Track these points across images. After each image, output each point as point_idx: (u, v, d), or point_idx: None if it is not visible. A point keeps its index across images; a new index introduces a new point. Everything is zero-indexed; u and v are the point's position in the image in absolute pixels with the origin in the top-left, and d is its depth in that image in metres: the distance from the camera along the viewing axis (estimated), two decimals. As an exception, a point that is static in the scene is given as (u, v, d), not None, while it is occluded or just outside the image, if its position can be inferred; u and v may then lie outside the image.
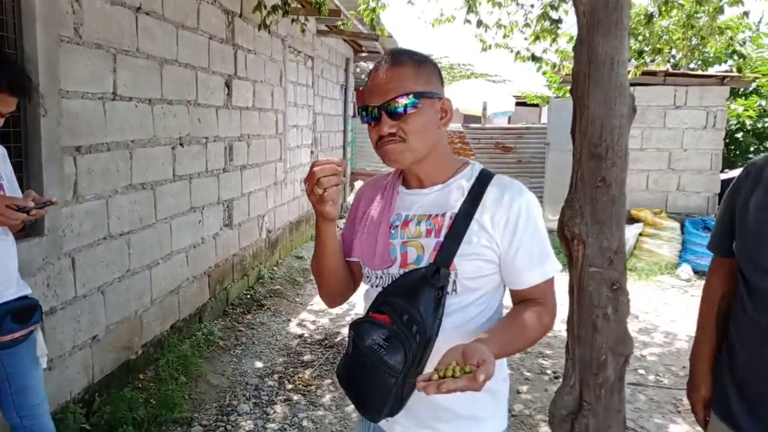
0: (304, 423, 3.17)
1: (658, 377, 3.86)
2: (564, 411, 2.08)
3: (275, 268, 5.86)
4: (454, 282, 1.25)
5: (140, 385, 3.30)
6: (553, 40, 4.94)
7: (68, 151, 2.66)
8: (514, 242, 1.25)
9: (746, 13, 3.97)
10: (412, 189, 1.36)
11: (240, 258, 4.96)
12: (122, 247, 3.17)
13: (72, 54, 2.64)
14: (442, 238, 1.25)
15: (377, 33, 5.07)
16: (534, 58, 4.94)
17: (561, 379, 3.77)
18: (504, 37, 5.08)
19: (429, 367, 1.18)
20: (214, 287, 4.42)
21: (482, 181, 1.31)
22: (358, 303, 5.44)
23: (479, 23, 4.97)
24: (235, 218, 4.79)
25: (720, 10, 4.23)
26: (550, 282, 1.31)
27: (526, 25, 4.95)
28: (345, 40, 8.06)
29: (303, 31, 5.03)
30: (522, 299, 1.30)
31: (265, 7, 4.16)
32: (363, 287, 1.45)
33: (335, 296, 1.47)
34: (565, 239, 2.07)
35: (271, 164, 5.62)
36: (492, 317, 1.31)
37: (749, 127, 8.29)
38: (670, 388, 3.72)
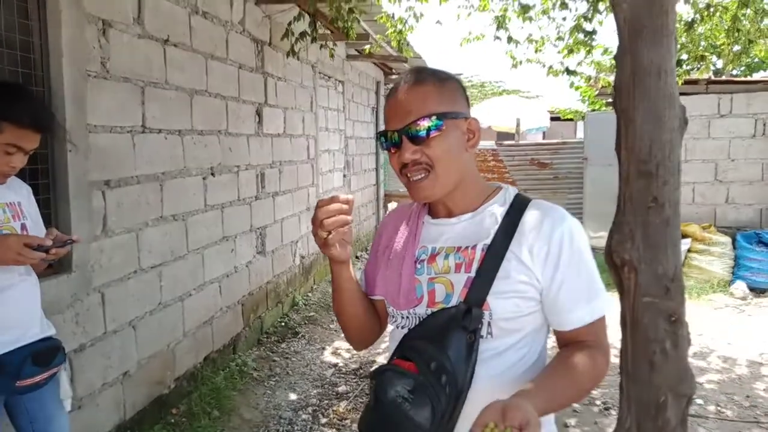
0: (340, 460, 3.04)
1: (719, 408, 3.58)
2: (620, 457, 1.89)
3: (309, 294, 5.78)
4: (489, 324, 1.10)
5: (173, 421, 3.23)
6: (588, 52, 4.78)
7: (97, 185, 2.64)
8: (557, 277, 1.10)
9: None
10: (440, 218, 1.23)
11: (274, 285, 4.89)
12: (153, 280, 3.13)
13: (99, 88, 2.64)
14: (473, 274, 1.11)
15: (405, 56, 5.00)
16: (568, 71, 4.78)
17: (610, 411, 3.54)
18: (536, 51, 4.94)
19: (462, 424, 1.05)
20: (248, 316, 4.36)
21: (518, 207, 1.17)
22: (390, 327, 5.30)
23: (509, 39, 4.85)
24: (267, 245, 4.74)
25: (766, 13, 4.01)
26: (601, 321, 1.15)
27: (559, 38, 4.80)
28: (375, 63, 8.05)
29: (332, 56, 5.01)
30: (569, 341, 1.14)
31: (293, 34, 4.15)
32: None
33: (361, 341, 1.35)
34: (615, 266, 1.90)
35: (303, 189, 5.58)
36: (535, 363, 1.16)
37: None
38: (735, 421, 3.43)
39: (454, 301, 1.12)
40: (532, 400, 0.93)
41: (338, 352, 4.52)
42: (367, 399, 3.84)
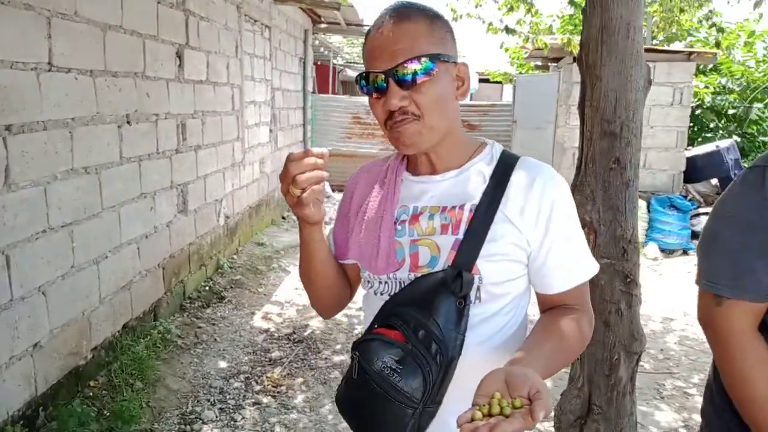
0: (276, 429, 2.92)
1: (639, 361, 3.78)
2: (572, 416, 1.91)
3: (235, 257, 5.51)
4: (478, 288, 1.03)
5: (91, 394, 2.96)
6: (528, 10, 4.73)
7: (-6, 130, 2.27)
8: (547, 239, 1.04)
9: (727, -15, 3.87)
10: (421, 176, 1.11)
11: (197, 247, 4.60)
12: (64, 241, 2.79)
13: (-7, 16, 2.23)
14: (461, 236, 1.02)
15: (338, 2, 4.72)
16: (507, 29, 4.72)
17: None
18: (476, 6, 4.83)
19: (451, 393, 0.98)
20: (169, 280, 4.07)
21: (506, 165, 1.08)
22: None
23: (451, -8, 4.71)
24: (190, 204, 4.42)
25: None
26: (585, 284, 1.10)
27: (499, -6, 4.71)
28: (303, 9, 7.62)
29: (261, -2, 4.64)
30: (554, 305, 1.09)
31: (220, -29, 3.78)
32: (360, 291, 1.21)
33: (330, 307, 1.24)
34: (575, 227, 1.87)
35: (227, 144, 5.24)
36: (519, 329, 1.11)
37: (708, 104, 8.40)
38: (652, 373, 3.64)
39: (440, 265, 1.03)
40: (532, 367, 0.86)
41: (269, 316, 4.35)
42: (303, 362, 3.69)
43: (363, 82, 1.03)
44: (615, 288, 1.81)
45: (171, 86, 3.94)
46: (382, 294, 1.10)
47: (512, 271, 1.05)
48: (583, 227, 1.83)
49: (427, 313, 0.98)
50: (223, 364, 3.54)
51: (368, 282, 1.14)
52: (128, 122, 3.37)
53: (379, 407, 0.97)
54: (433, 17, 1.03)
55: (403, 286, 1.06)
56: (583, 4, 1.82)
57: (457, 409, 1.00)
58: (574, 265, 1.07)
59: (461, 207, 1.05)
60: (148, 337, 3.56)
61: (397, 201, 1.10)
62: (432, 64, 0.98)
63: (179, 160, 4.16)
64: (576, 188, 1.86)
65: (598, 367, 1.85)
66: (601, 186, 1.80)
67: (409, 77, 0.98)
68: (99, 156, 3.06)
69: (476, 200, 1.04)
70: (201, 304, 4.38)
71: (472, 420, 0.78)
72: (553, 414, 2.00)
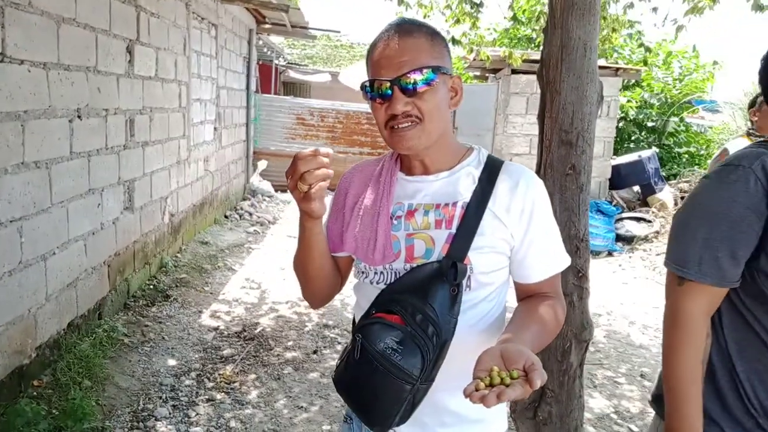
0: (232, 423, 2.94)
1: (574, 354, 4.06)
2: (527, 399, 2.07)
3: (179, 255, 5.41)
4: (469, 277, 1.15)
5: (35, 394, 2.86)
6: (473, 24, 4.95)
7: (-54, 120, 2.18)
8: (528, 233, 1.17)
9: (655, 9, 4.23)
10: (415, 176, 1.23)
11: (141, 245, 4.49)
12: (13, 236, 2.70)
13: (-51, 0, 2.15)
14: (454, 230, 1.14)
15: (289, 3, 4.76)
16: (454, 41, 4.92)
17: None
18: (424, 17, 5.00)
19: (443, 370, 1.09)
20: (114, 278, 3.96)
21: (492, 167, 1.21)
22: (270, 290, 5.15)
23: (400, 1, 4.85)
24: (136, 201, 4.32)
25: (631, 5, 4.47)
26: (559, 274, 1.25)
27: (447, 6, 4.90)
28: (248, 9, 7.56)
29: (213, -5, 4.60)
30: (531, 293, 1.23)
31: (175, -34, 3.73)
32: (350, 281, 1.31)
33: (321, 297, 1.33)
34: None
35: (174, 141, 5.14)
36: (500, 314, 1.24)
37: (631, 117, 9.03)
38: (585, 365, 3.92)
39: (435, 256, 1.14)
40: (522, 344, 0.98)
41: (217, 315, 4.32)
42: (255, 359, 3.71)
43: (369, 88, 1.14)
44: (569, 282, 2.00)
45: (121, 81, 3.85)
46: (378, 283, 1.19)
47: (498, 262, 1.18)
48: (541, 227, 2.02)
49: (424, 299, 1.09)
50: (172, 362, 3.50)
51: (363, 273, 1.23)
52: (79, 117, 3.27)
53: (380, 384, 1.06)
54: (433, 34, 1.15)
55: (398, 275, 1.16)
56: (545, 24, 2.00)
57: (447, 387, 1.13)
58: (551, 257, 1.21)
59: (454, 204, 1.17)
60: (94, 335, 3.47)
61: (393, 198, 1.21)
62: (433, 75, 1.10)
63: (127, 156, 4.06)
64: (534, 191, 2.03)
65: (551, 354, 2.03)
66: (558, 189, 1.98)
67: (412, 86, 1.09)
68: (50, 150, 2.97)
69: (467, 198, 1.16)
70: (146, 303, 4.29)
71: (477, 390, 0.89)
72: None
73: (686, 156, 8.96)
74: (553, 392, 2.04)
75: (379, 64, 1.12)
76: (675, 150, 9.14)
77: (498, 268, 1.18)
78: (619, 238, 7.03)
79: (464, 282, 1.14)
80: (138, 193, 4.34)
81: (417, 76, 1.09)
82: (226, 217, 7.35)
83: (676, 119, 9.11)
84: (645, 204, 7.68)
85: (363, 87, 1.16)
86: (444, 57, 1.16)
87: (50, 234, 3.04)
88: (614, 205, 7.43)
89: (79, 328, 3.45)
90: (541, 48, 2.00)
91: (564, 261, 1.24)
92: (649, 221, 7.22)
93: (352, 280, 1.32)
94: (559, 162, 1.97)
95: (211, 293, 4.77)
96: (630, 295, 5.53)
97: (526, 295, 1.23)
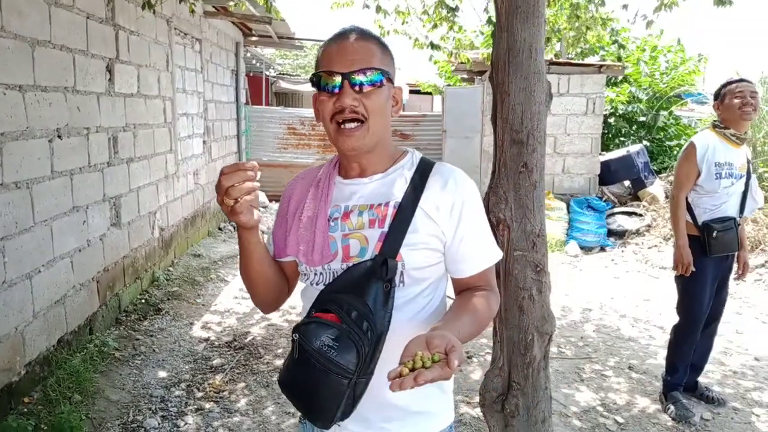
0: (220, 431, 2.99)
1: (560, 349, 4.10)
2: (494, 393, 2.12)
3: (171, 269, 5.47)
4: (402, 273, 1.20)
5: (26, 410, 2.92)
6: (450, 27, 5.02)
7: None
8: (459, 230, 1.23)
9: (625, 6, 4.28)
10: (351, 179, 1.28)
11: (131, 260, 4.56)
12: (-5, 256, 2.77)
13: None
14: (386, 229, 1.20)
15: (272, 16, 4.84)
16: (432, 45, 4.99)
17: (472, 358, 3.90)
18: (402, 23, 5.07)
19: (381, 364, 1.13)
20: (104, 294, 4.03)
21: (424, 169, 1.27)
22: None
23: (378, 9, 4.92)
24: (123, 217, 4.39)
25: (602, 3, 4.53)
26: (492, 268, 1.30)
27: (424, 12, 4.97)
28: (234, 23, 7.66)
29: (192, 11, 4.69)
30: (466, 287, 1.28)
31: (150, -16, 3.81)
32: (299, 287, 1.35)
33: (269, 303, 1.37)
34: (492, 224, 2.09)
35: (160, 156, 5.22)
36: (438, 308, 1.29)
37: (620, 112, 9.07)
38: (573, 359, 3.96)
39: (369, 255, 1.19)
40: (449, 332, 1.03)
41: (209, 326, 4.37)
42: (245, 368, 3.76)
43: (320, 79, 1.19)
44: (527, 276, 2.04)
45: (102, 100, 3.93)
46: (317, 284, 1.25)
47: (431, 258, 1.22)
48: (498, 224, 2.06)
49: (359, 297, 1.13)
50: (163, 374, 3.56)
51: (305, 275, 1.28)
52: (59, 136, 3.35)
53: (318, 380, 1.11)
54: (384, 44, 1.24)
55: (336, 275, 1.21)
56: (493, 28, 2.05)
57: (388, 382, 1.17)
58: (482, 252, 1.26)
59: (386, 204, 1.22)
60: (85, 350, 3.53)
61: (330, 201, 1.26)
62: (381, 77, 1.18)
63: (111, 173, 4.14)
64: (491, 190, 2.08)
65: (515, 348, 2.07)
66: (513, 187, 2.03)
67: (362, 82, 1.16)
68: (30, 170, 3.04)
69: (399, 198, 1.22)
70: (137, 317, 4.35)
71: (401, 375, 0.94)
72: (478, 395, 2.21)
73: (677, 149, 8.98)
74: (519, 385, 2.08)
75: (332, 59, 1.18)
76: (665, 143, 9.17)
77: (431, 264, 1.23)
78: (611, 233, 7.06)
79: (397, 278, 1.19)
80: (125, 209, 4.41)
81: (367, 75, 1.16)
82: (219, 229, 7.42)
83: (665, 113, 9.15)
84: (636, 198, 7.70)
85: (311, 79, 1.22)
86: (391, 66, 1.23)
87: (34, 252, 3.11)
88: (605, 201, 7.46)
89: (70, 344, 3.51)
90: (491, 52, 2.06)
91: (495, 255, 1.29)
92: (641, 215, 7.25)
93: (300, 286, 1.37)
94: (511, 161, 2.02)
95: (203, 305, 4.83)
96: (621, 289, 5.56)
97: (462, 289, 1.28)
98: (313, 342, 1.10)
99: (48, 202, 3.24)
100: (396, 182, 1.25)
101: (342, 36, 1.20)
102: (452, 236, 1.22)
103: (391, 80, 1.21)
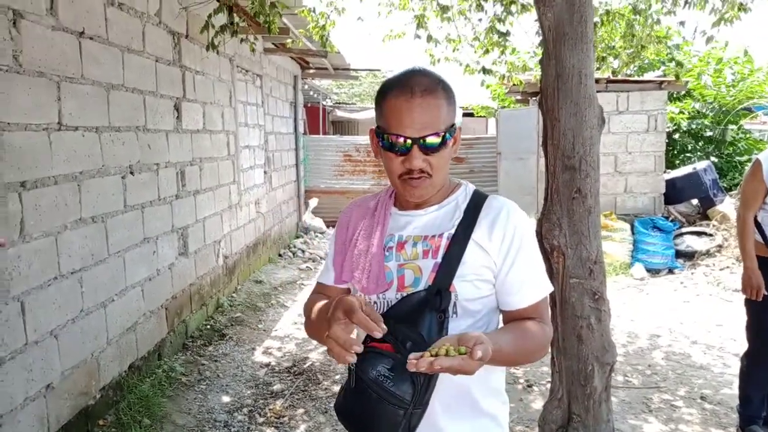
0: (280, 457, 3.04)
1: (626, 378, 3.94)
2: (554, 425, 2.07)
3: (234, 295, 5.66)
4: (455, 304, 1.22)
5: (100, 433, 3.09)
6: (502, 52, 5.03)
7: (12, 187, 2.46)
8: (508, 261, 1.24)
9: (682, 23, 4.17)
10: (407, 210, 1.32)
11: (197, 287, 4.76)
12: (74, 286, 2.97)
13: (12, 83, 2.46)
14: (440, 259, 1.22)
15: (327, 50, 5.02)
16: (484, 70, 5.01)
17: (533, 387, 3.79)
18: (453, 50, 5.13)
19: (435, 398, 1.15)
20: (172, 320, 4.22)
21: (477, 201, 1.29)
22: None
23: (429, 38, 5.00)
24: (190, 246, 4.60)
25: (657, 21, 4.43)
26: (544, 300, 1.29)
27: (475, 38, 5.01)
28: (292, 57, 7.97)
29: (252, 50, 4.93)
30: (516, 319, 1.27)
31: (213, 27, 4.04)
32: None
33: None
34: (545, 251, 2.07)
35: (224, 187, 5.45)
36: None
37: (684, 128, 8.72)
38: (640, 388, 3.79)
39: (422, 285, 1.22)
40: (489, 338, 1.04)
41: (269, 351, 4.48)
42: (304, 393, 3.81)
43: (388, 141, 1.21)
44: (585, 305, 2.00)
45: (170, 137, 4.17)
46: None
47: (482, 289, 1.24)
48: (553, 251, 2.04)
49: (413, 327, 1.15)
50: (226, 399, 3.67)
51: None
52: (131, 173, 3.58)
53: (374, 410, 1.13)
54: (449, 90, 1.24)
55: (390, 304, 1.24)
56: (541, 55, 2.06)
57: (444, 410, 1.19)
58: (533, 284, 1.26)
59: (440, 235, 1.25)
60: (153, 375, 3.70)
61: (386, 231, 1.30)
62: (450, 137, 1.21)
63: (179, 205, 4.36)
64: (544, 216, 2.06)
65: (574, 378, 2.02)
66: (566, 214, 2.01)
67: (433, 146, 1.19)
68: (105, 205, 3.26)
69: (452, 230, 1.25)
70: (203, 342, 4.52)
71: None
72: (537, 426, 2.16)
73: (747, 164, 8.52)
74: (579, 417, 2.02)
75: (401, 120, 1.18)
76: (735, 159, 8.72)
77: (483, 296, 1.24)
78: (679, 254, 6.74)
79: (450, 309, 1.20)
80: (192, 238, 4.62)
81: (437, 139, 1.18)
82: (279, 255, 7.62)
83: (734, 127, 8.72)
84: (705, 217, 7.34)
85: (378, 135, 1.24)
86: (456, 113, 1.26)
87: (108, 282, 3.31)
88: (671, 221, 7.15)
89: (140, 369, 3.69)
90: (540, 78, 2.06)
91: (547, 287, 1.28)
92: (711, 235, 6.89)
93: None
94: (564, 187, 2.00)
95: (264, 330, 4.96)
96: (692, 314, 5.29)
97: (512, 321, 1.28)
98: (369, 372, 1.12)
99: (121, 235, 3.46)
100: (450, 214, 1.28)
101: (409, 90, 1.18)
102: (503, 268, 1.23)
103: (456, 130, 1.23)
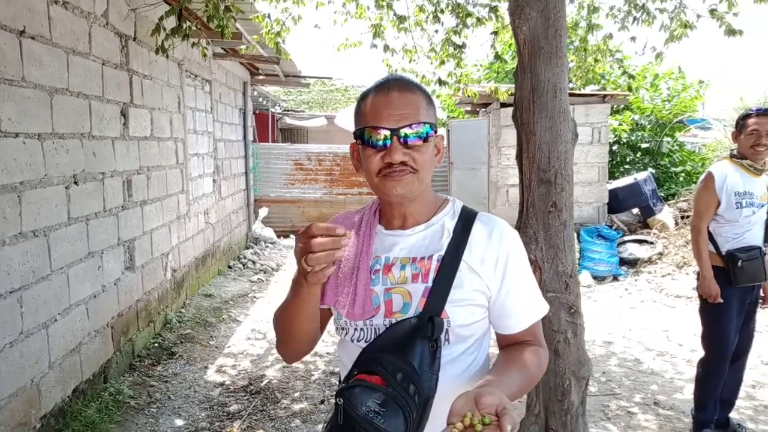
0: (241, 482, 2.89)
1: (583, 385, 4.00)
2: (531, 441, 2.05)
3: (183, 311, 5.41)
4: (447, 331, 1.15)
5: (41, 465, 2.84)
6: (457, 64, 5.07)
7: (-57, 200, 2.24)
8: (505, 284, 1.19)
9: (633, 38, 4.33)
10: (393, 229, 1.24)
11: (145, 303, 4.51)
12: (13, 307, 2.73)
13: (-56, 86, 2.24)
14: (430, 284, 1.15)
15: (280, 56, 4.90)
16: (440, 81, 5.03)
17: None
18: (410, 61, 5.13)
19: (428, 426, 1.08)
20: (118, 340, 3.97)
21: (466, 219, 1.23)
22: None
23: (386, 48, 4.98)
24: (137, 260, 4.36)
25: (610, 36, 4.59)
26: (539, 322, 1.26)
27: (432, 50, 5.03)
28: (242, 63, 7.78)
29: (204, 55, 4.75)
30: (513, 343, 1.23)
31: (164, 30, 3.86)
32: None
33: (297, 355, 1.31)
34: (522, 266, 2.06)
35: (173, 197, 5.22)
36: (483, 366, 1.24)
37: (624, 140, 9.10)
38: (596, 395, 3.86)
39: (412, 311, 1.15)
40: (498, 388, 0.98)
41: (223, 369, 4.29)
42: (263, 413, 3.66)
43: (366, 135, 1.15)
44: (561, 319, 2.00)
45: (117, 144, 3.95)
46: (358, 341, 1.19)
47: (476, 314, 1.18)
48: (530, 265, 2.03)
49: (404, 357, 1.08)
50: (179, 422, 3.47)
51: (344, 329, 1.23)
52: (75, 182, 3.35)
53: None
54: (427, 94, 1.21)
55: (378, 332, 1.16)
56: (515, 68, 2.06)
57: None
58: (529, 306, 1.22)
59: (429, 258, 1.18)
60: (100, 399, 3.46)
61: (372, 252, 1.22)
62: (429, 131, 1.16)
63: (125, 216, 4.13)
64: (520, 230, 2.05)
65: (551, 393, 2.01)
66: (542, 227, 2.00)
67: (412, 138, 1.13)
68: (47, 218, 3.03)
69: (442, 251, 1.18)
70: (151, 362, 4.28)
71: None
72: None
73: (683, 175, 8.99)
74: (556, 432, 2.01)
75: (379, 114, 1.14)
76: (671, 170, 9.18)
77: (476, 321, 1.19)
78: (622, 261, 7.00)
79: (442, 336, 1.14)
80: (138, 251, 4.39)
81: (417, 129, 1.13)
82: (229, 267, 7.38)
83: (669, 139, 9.18)
84: (646, 226, 7.66)
85: (356, 134, 1.19)
86: (435, 116, 1.21)
87: (51, 301, 3.07)
88: (615, 229, 7.42)
89: (85, 394, 3.44)
90: (514, 91, 2.06)
91: (543, 309, 1.25)
92: (652, 243, 7.19)
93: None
94: (540, 200, 2.00)
95: (216, 347, 4.75)
96: (638, 320, 5.47)
97: (508, 344, 1.23)
98: (359, 408, 1.04)
99: (64, 249, 3.22)
100: (438, 234, 1.21)
101: (386, 88, 1.17)
102: (498, 291, 1.18)
103: (436, 132, 1.19)
